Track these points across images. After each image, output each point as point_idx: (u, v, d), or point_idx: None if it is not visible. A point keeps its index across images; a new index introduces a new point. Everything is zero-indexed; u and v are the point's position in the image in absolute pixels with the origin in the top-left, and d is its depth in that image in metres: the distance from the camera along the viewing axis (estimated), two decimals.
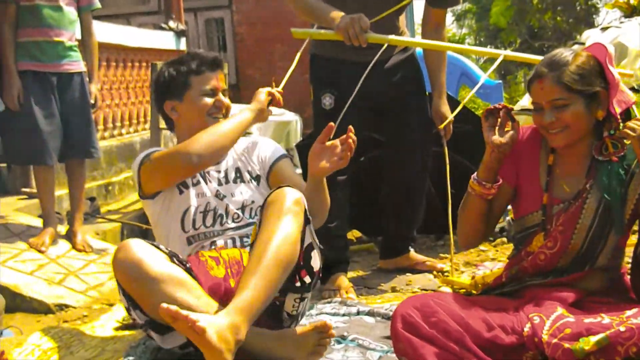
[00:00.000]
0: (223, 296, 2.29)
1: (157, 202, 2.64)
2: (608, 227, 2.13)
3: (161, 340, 2.31)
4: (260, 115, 2.71)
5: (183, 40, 8.38)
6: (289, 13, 7.00)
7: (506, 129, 2.18)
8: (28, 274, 3.78)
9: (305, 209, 2.26)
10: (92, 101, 4.30)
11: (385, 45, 3.29)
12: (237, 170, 2.69)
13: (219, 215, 2.60)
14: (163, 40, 7.94)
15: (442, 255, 4.18)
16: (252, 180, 2.69)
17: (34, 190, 4.87)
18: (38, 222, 4.45)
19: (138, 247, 2.23)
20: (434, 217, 4.26)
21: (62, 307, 3.59)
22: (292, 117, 7.25)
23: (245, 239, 2.58)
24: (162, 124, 5.64)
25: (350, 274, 3.82)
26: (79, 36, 4.37)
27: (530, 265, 2.20)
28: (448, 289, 3.43)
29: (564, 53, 2.12)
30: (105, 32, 6.46)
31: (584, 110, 2.09)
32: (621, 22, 7.88)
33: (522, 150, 2.25)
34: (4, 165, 5.30)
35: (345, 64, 3.36)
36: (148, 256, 2.21)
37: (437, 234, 4.61)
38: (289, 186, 2.30)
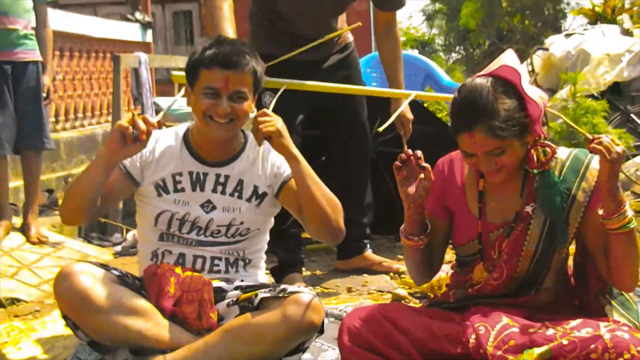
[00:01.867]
0: (168, 318, 2.27)
1: (136, 189, 2.47)
2: (552, 251, 2.11)
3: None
4: (112, 155, 2.25)
5: (149, 32, 8.30)
6: None
7: (420, 177, 2.07)
8: None
9: (323, 323, 2.26)
10: (44, 94, 4.22)
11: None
12: (240, 182, 2.43)
13: (196, 227, 2.41)
14: (128, 31, 7.86)
15: (400, 256, 4.18)
16: (254, 199, 2.43)
17: None
18: None
19: (84, 276, 2.18)
20: (392, 218, 4.27)
21: (13, 301, 3.51)
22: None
23: (216, 262, 2.43)
24: (124, 117, 5.61)
25: (307, 274, 3.81)
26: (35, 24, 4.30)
27: (476, 293, 2.18)
28: (404, 291, 3.44)
29: (483, 94, 1.98)
30: (69, 21, 6.38)
31: (519, 147, 2.03)
32: (585, 30, 8.00)
33: (447, 183, 2.21)
34: None
35: (284, 62, 3.34)
36: (95, 285, 2.17)
37: (395, 235, 4.60)
38: (313, 295, 2.25)
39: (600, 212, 1.99)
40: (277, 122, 2.25)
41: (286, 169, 2.41)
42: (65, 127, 6.37)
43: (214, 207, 2.40)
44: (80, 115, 6.69)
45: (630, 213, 1.98)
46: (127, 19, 8.01)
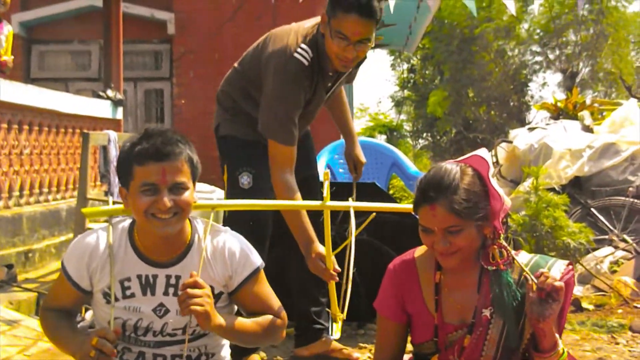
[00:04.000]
0: None
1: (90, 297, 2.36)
2: (510, 354, 2.12)
3: None
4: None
5: (120, 109, 8.36)
6: None
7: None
8: None
9: None
10: None
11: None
12: None
13: (151, 330, 2.27)
14: (99, 108, 7.90)
15: (361, 344, 4.17)
16: None
17: None
18: None
19: None
20: (355, 305, 4.26)
21: None
22: (221, 195, 7.20)
23: None
24: (90, 194, 5.59)
25: None
26: None
27: None
28: None
29: (450, 173, 2.07)
30: (39, 96, 6.41)
31: (475, 233, 2.07)
32: (547, 124, 8.22)
33: (402, 283, 2.24)
34: None
35: (260, 146, 3.40)
36: None
37: (358, 322, 4.60)
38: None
39: (534, 349, 2.03)
40: (205, 302, 2.12)
41: (242, 271, 2.32)
42: (29, 201, 6.32)
43: (167, 311, 2.26)
44: (45, 189, 6.64)
45: (560, 346, 2.03)
46: (99, 96, 8.06)
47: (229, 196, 3.54)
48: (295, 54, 3.23)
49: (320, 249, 3.11)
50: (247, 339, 2.35)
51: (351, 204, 3.06)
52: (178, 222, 2.21)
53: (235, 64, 3.60)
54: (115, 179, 5.88)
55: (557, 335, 2.02)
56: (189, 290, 2.10)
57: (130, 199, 2.21)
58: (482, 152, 2.15)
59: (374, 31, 3.13)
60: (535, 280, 2.00)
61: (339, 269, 3.06)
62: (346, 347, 3.85)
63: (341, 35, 3.09)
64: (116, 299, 2.26)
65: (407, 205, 3.09)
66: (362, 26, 3.07)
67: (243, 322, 2.29)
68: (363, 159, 3.80)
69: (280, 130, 3.25)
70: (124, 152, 2.22)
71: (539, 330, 2.00)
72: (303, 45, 3.25)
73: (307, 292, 3.78)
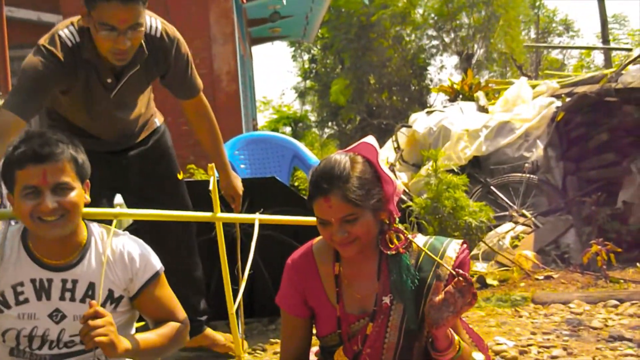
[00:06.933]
0: None
1: None
2: (414, 340, 2.15)
3: None
4: None
5: None
6: None
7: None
8: None
9: None
10: None
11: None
12: (91, 286, 2.21)
13: (47, 341, 2.18)
14: None
15: (272, 340, 4.15)
16: (108, 303, 2.22)
17: None
18: None
19: None
20: (265, 301, 4.25)
21: None
22: None
23: None
24: None
25: None
26: None
27: None
28: None
29: (340, 163, 2.09)
30: None
31: (372, 219, 2.10)
32: (444, 107, 8.40)
33: (300, 277, 2.24)
34: None
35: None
36: None
37: (269, 317, 4.58)
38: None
39: (431, 347, 2.07)
40: (109, 331, 2.04)
41: (143, 274, 2.28)
42: None
43: (63, 316, 2.18)
44: None
45: (456, 338, 2.08)
46: None
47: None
48: (60, 33, 2.93)
49: None
50: (155, 354, 2.29)
51: (257, 216, 3.02)
52: (66, 224, 2.15)
53: None
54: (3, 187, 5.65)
55: (452, 334, 2.06)
56: (91, 322, 2.03)
57: (15, 204, 2.14)
58: (369, 139, 2.18)
59: (142, 14, 2.82)
60: (452, 271, 2.06)
61: None
62: (227, 337, 3.73)
63: (108, 27, 2.78)
64: (8, 306, 2.17)
65: (312, 218, 3.08)
66: (127, 12, 2.76)
67: (148, 338, 2.25)
68: (240, 190, 3.57)
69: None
70: (7, 158, 2.15)
71: (434, 334, 2.04)
72: (71, 27, 2.95)
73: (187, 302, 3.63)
